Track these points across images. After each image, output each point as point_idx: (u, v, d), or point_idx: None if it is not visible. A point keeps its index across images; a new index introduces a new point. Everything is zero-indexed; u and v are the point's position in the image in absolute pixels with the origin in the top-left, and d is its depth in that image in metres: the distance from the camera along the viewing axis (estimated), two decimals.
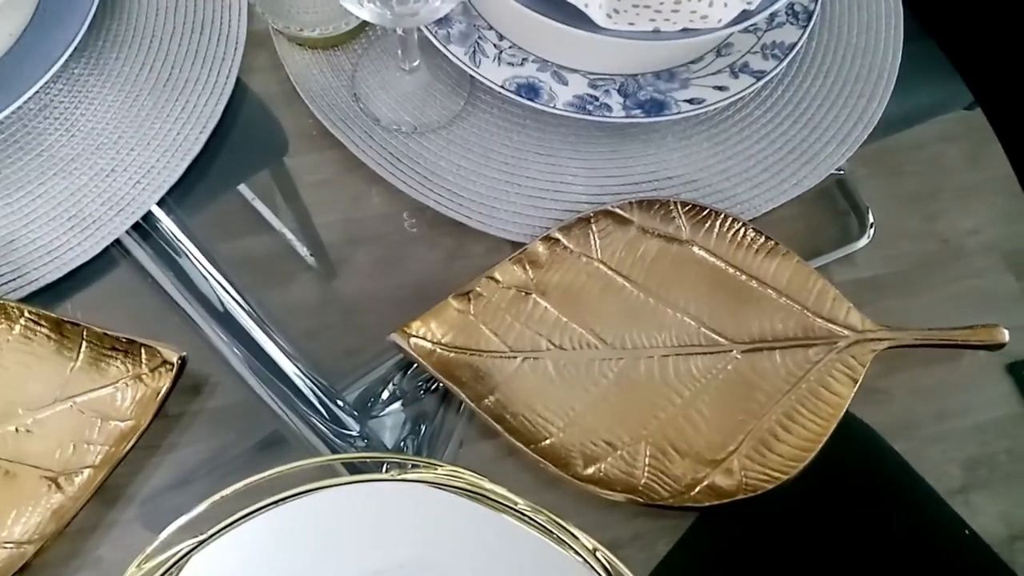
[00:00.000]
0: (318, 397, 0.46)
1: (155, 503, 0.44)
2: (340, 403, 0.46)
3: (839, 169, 0.54)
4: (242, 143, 0.52)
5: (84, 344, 0.44)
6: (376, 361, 0.48)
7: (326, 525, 0.41)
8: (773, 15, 0.54)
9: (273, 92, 0.53)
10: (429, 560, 0.41)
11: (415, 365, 0.47)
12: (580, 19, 0.47)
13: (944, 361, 0.49)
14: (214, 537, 0.40)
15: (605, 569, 0.39)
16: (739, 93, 0.51)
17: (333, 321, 0.49)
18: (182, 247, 0.49)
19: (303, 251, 0.50)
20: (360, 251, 0.50)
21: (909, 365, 0.49)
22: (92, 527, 0.43)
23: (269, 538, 0.40)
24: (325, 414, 0.46)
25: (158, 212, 0.50)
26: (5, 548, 0.41)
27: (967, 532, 0.46)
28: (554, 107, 0.50)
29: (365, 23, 0.54)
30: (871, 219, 0.53)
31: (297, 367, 0.47)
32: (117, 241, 0.48)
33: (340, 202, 0.51)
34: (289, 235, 0.51)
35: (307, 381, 0.47)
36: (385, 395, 0.47)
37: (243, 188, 0.52)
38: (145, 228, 0.49)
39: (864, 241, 0.53)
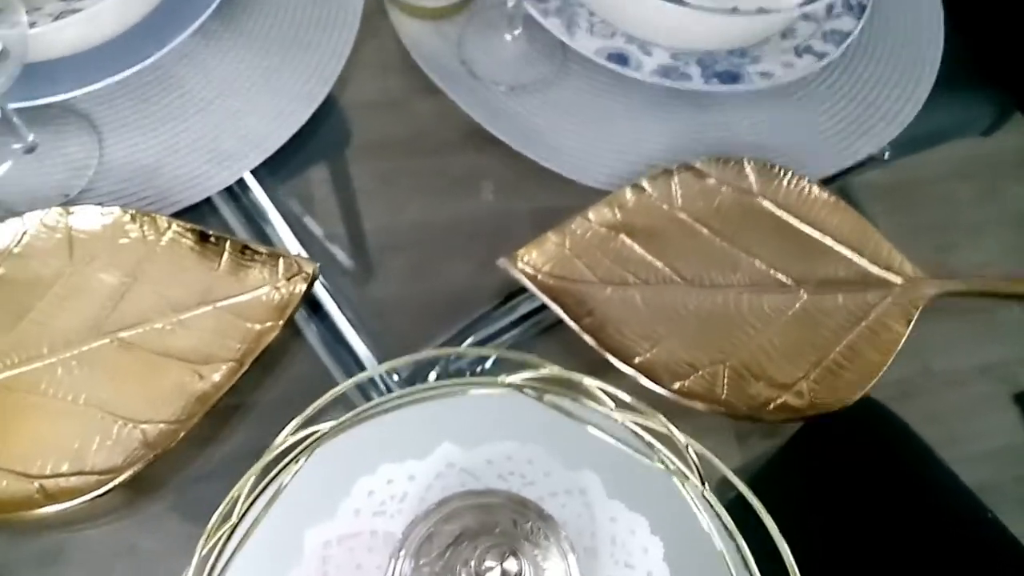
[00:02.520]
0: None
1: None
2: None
3: (884, 153, 0.60)
4: (355, 105, 0.59)
5: (226, 254, 0.50)
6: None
7: (442, 422, 0.46)
8: (831, 6, 0.61)
9: (387, 54, 0.60)
10: (528, 454, 0.46)
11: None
12: None
13: (953, 388, 0.53)
14: (345, 425, 0.45)
15: (697, 469, 0.44)
16: (804, 69, 0.57)
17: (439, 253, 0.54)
18: (266, 214, 0.55)
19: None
20: (460, 201, 0.56)
21: (920, 392, 0.53)
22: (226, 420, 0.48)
23: (392, 430, 0.45)
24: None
25: (249, 179, 0.55)
26: (161, 425, 0.45)
27: (989, 515, 0.49)
28: (641, 74, 0.56)
29: None
30: None
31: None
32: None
33: (443, 155, 0.57)
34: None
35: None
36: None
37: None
38: (236, 191, 0.55)
39: None
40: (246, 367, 0.47)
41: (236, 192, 0.54)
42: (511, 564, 0.32)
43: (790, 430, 0.50)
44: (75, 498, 0.43)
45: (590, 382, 0.46)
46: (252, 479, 0.42)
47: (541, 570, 0.37)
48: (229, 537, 0.42)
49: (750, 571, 0.43)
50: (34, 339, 0.47)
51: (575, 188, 0.55)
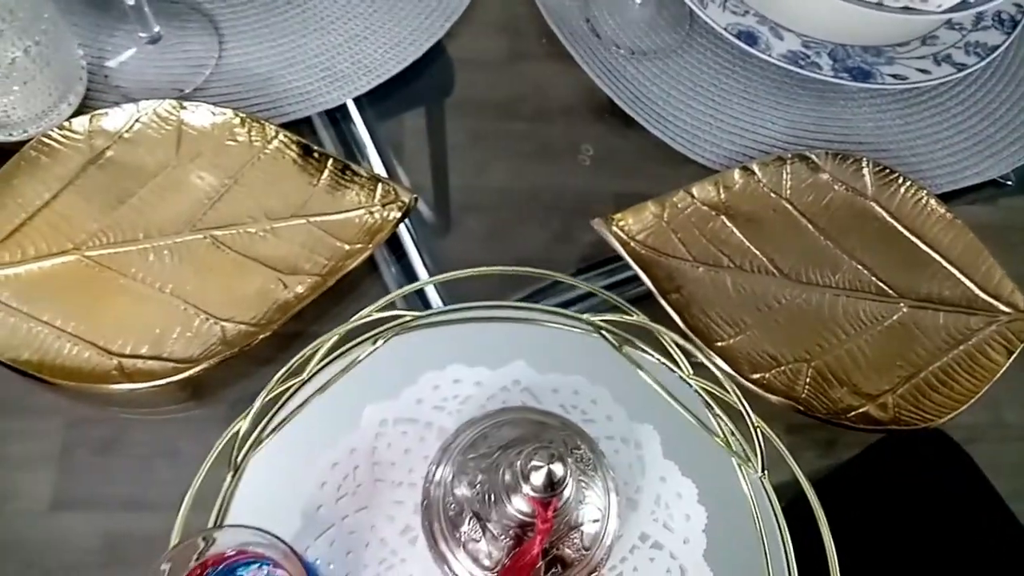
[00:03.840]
0: None
1: None
2: None
3: (1005, 179, 0.57)
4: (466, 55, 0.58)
5: (327, 171, 0.50)
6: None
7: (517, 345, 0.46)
8: (979, 16, 0.58)
9: (511, 3, 0.59)
10: (594, 394, 0.45)
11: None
12: None
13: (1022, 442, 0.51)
14: (428, 319, 0.45)
15: (761, 453, 0.43)
16: (940, 79, 0.55)
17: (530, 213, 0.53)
18: (364, 147, 0.54)
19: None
20: (546, 170, 0.55)
21: (988, 440, 0.50)
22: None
23: (470, 337, 0.46)
24: None
25: (352, 109, 0.54)
26: (241, 326, 0.46)
27: None
28: (769, 56, 0.54)
29: None
30: None
31: None
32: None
33: (540, 121, 0.56)
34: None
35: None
36: None
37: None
38: (336, 117, 0.54)
39: None
40: (330, 284, 0.47)
41: (336, 118, 0.54)
42: (558, 468, 0.32)
43: (853, 449, 0.48)
44: (148, 381, 0.44)
45: (673, 338, 0.45)
46: (330, 342, 0.44)
47: (583, 496, 0.36)
48: (296, 391, 0.43)
49: (789, 567, 0.42)
50: (131, 223, 0.48)
51: (665, 177, 0.54)
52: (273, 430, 0.43)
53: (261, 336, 0.45)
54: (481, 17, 0.59)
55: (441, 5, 0.57)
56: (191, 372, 0.44)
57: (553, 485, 0.32)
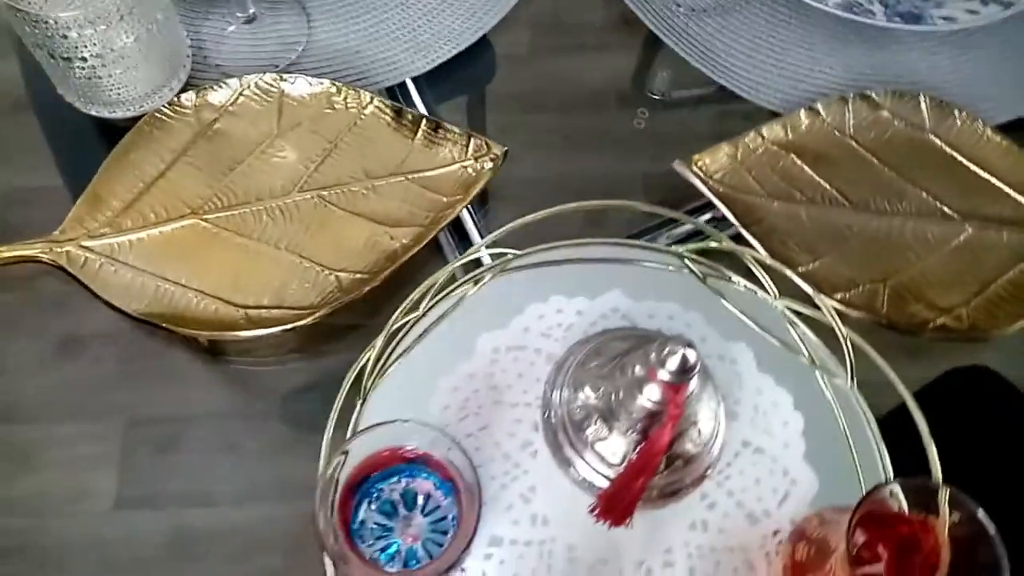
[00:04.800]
0: None
1: None
2: None
3: None
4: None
5: (421, 131, 0.53)
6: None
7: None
8: None
9: None
10: (688, 318, 0.49)
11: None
12: None
13: None
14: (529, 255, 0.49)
15: (851, 363, 0.46)
16: (988, 17, 0.58)
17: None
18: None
19: None
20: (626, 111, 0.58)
21: None
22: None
23: (569, 271, 0.49)
24: None
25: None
26: (355, 275, 0.49)
27: None
28: (825, 5, 0.57)
29: None
30: None
31: None
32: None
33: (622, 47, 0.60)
34: None
35: None
36: None
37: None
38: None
39: None
40: (433, 234, 0.51)
41: (397, 97, 0.57)
42: (691, 352, 0.35)
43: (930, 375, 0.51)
44: (274, 327, 0.48)
45: (758, 258, 0.49)
46: (443, 278, 0.47)
47: (699, 397, 0.39)
48: (414, 326, 0.47)
49: (884, 469, 0.45)
50: (242, 188, 0.52)
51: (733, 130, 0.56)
52: (397, 358, 0.46)
53: (373, 283, 0.49)
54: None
55: None
56: (313, 318, 0.48)
57: (686, 370, 0.35)
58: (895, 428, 0.46)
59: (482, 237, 0.52)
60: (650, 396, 0.37)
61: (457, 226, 0.53)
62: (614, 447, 0.40)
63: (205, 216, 0.51)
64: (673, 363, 0.35)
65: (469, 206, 0.52)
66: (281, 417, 0.48)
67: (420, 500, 0.41)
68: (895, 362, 0.47)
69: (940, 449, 0.44)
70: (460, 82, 0.60)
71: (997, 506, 0.35)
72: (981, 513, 0.35)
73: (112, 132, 0.53)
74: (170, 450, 0.47)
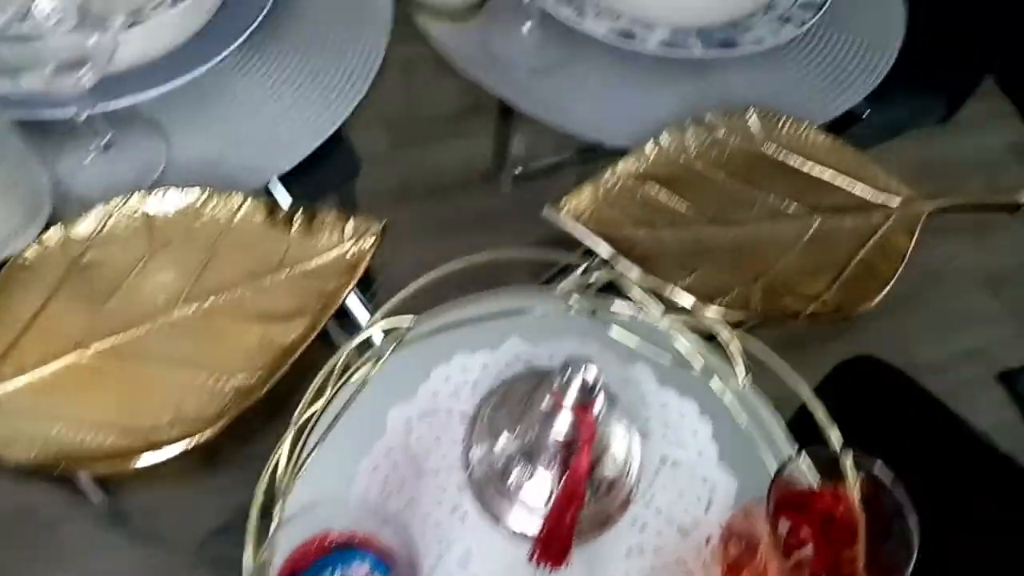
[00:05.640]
0: None
1: None
2: None
3: (862, 112, 0.67)
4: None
5: (296, 222, 0.54)
6: None
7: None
8: None
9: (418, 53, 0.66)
10: (587, 351, 0.51)
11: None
12: None
13: (939, 374, 0.56)
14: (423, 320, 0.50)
15: (745, 362, 0.49)
16: (790, 34, 0.64)
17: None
18: None
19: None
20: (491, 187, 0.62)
21: None
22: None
23: (464, 328, 0.51)
24: None
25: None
26: (251, 377, 0.49)
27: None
28: (646, 47, 0.63)
29: None
30: None
31: None
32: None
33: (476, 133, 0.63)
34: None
35: None
36: None
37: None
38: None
39: None
40: (323, 323, 0.51)
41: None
42: (590, 371, 0.37)
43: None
44: (174, 446, 0.46)
45: (639, 282, 0.52)
46: (340, 362, 0.48)
47: (607, 420, 0.41)
48: (321, 416, 0.47)
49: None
50: (124, 312, 0.51)
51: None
52: (310, 452, 0.46)
53: (271, 382, 0.49)
54: (394, 65, 0.65)
55: (358, 67, 0.63)
56: (214, 430, 0.47)
57: (590, 389, 0.37)
58: (802, 423, 0.49)
59: (372, 315, 0.53)
60: (562, 426, 0.39)
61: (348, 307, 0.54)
62: (540, 488, 0.41)
63: (89, 348, 0.50)
64: (576, 384, 0.37)
65: (357, 288, 0.54)
66: (198, 550, 0.46)
67: None
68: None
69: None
70: (326, 183, 0.61)
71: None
72: (878, 466, 0.38)
73: None
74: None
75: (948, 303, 0.60)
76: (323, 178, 0.61)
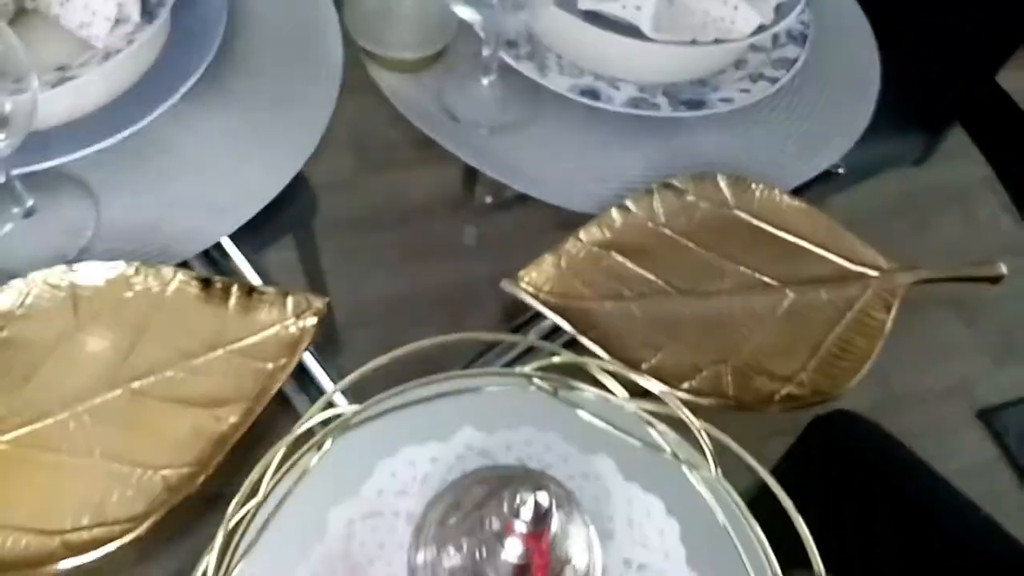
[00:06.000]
0: None
1: None
2: None
3: (837, 167, 0.65)
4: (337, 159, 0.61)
5: (233, 298, 0.50)
6: None
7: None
8: (776, 37, 0.66)
9: (369, 105, 0.62)
10: (545, 440, 0.47)
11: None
12: (630, 32, 0.58)
13: (918, 408, 0.55)
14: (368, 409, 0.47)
15: (711, 454, 0.46)
16: (760, 93, 0.62)
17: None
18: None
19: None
20: (456, 231, 0.58)
21: (887, 414, 0.54)
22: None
23: (414, 416, 0.47)
24: None
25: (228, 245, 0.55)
26: (181, 470, 0.45)
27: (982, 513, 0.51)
28: (612, 106, 0.60)
29: (447, 50, 0.64)
30: None
31: None
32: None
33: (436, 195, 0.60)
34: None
35: None
36: None
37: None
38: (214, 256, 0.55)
39: None
40: (262, 406, 0.47)
41: (214, 258, 0.55)
42: (543, 496, 0.33)
43: (789, 438, 0.52)
44: (96, 550, 0.42)
45: (602, 367, 0.48)
46: (278, 456, 0.44)
47: (566, 532, 0.38)
48: (255, 515, 0.43)
49: (766, 555, 0.44)
50: (43, 398, 0.47)
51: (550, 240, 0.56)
52: (241, 557, 0.42)
53: (203, 476, 0.45)
54: (338, 137, 0.62)
55: (306, 122, 0.59)
56: (141, 529, 0.43)
57: (542, 516, 0.33)
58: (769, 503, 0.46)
59: (320, 392, 0.49)
60: (513, 550, 0.35)
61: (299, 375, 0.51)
62: None
63: (3, 438, 0.46)
64: (527, 512, 0.33)
65: (312, 350, 0.50)
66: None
67: None
68: (759, 432, 0.48)
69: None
70: (283, 222, 0.58)
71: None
72: None
73: None
74: None
75: (926, 337, 0.58)
76: (282, 220, 0.58)
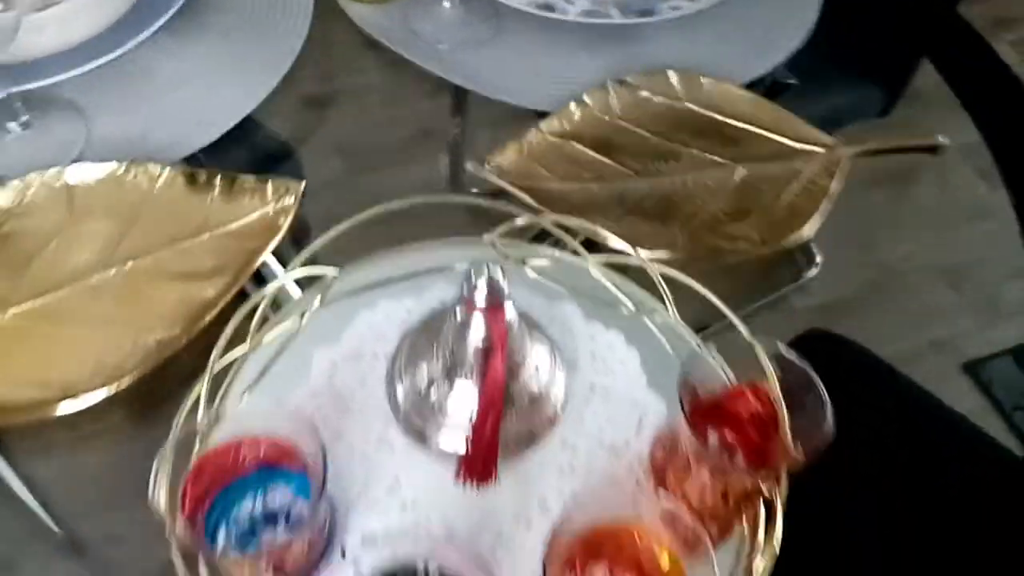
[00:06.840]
0: None
1: None
2: None
3: (789, 79, 0.69)
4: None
5: (216, 188, 0.54)
6: None
7: None
8: None
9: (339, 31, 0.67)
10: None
11: None
12: None
13: (906, 366, 0.56)
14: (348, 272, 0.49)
15: (667, 297, 0.49)
16: (707, 2, 0.66)
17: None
18: None
19: None
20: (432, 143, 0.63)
21: None
22: None
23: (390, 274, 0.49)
24: None
25: None
26: (171, 331, 0.48)
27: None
28: (568, 16, 0.64)
29: None
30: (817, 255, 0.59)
31: None
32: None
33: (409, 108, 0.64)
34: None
35: None
36: None
37: None
38: None
39: (814, 271, 0.58)
40: (245, 278, 0.51)
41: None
42: (495, 271, 0.36)
43: None
44: (94, 393, 0.46)
45: (555, 221, 0.52)
46: (262, 305, 0.47)
47: (526, 338, 0.41)
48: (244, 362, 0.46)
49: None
50: (45, 276, 0.51)
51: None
52: (241, 398, 0.45)
53: (192, 335, 0.48)
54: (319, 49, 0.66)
55: (280, 48, 0.64)
56: (133, 377, 0.46)
57: (496, 291, 0.36)
58: None
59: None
60: (477, 332, 0.38)
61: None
62: (463, 403, 0.40)
63: (7, 312, 0.49)
64: (483, 284, 0.36)
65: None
66: None
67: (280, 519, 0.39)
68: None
69: None
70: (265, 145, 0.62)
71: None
72: (783, 348, 0.37)
73: None
74: None
75: (910, 300, 0.60)
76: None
